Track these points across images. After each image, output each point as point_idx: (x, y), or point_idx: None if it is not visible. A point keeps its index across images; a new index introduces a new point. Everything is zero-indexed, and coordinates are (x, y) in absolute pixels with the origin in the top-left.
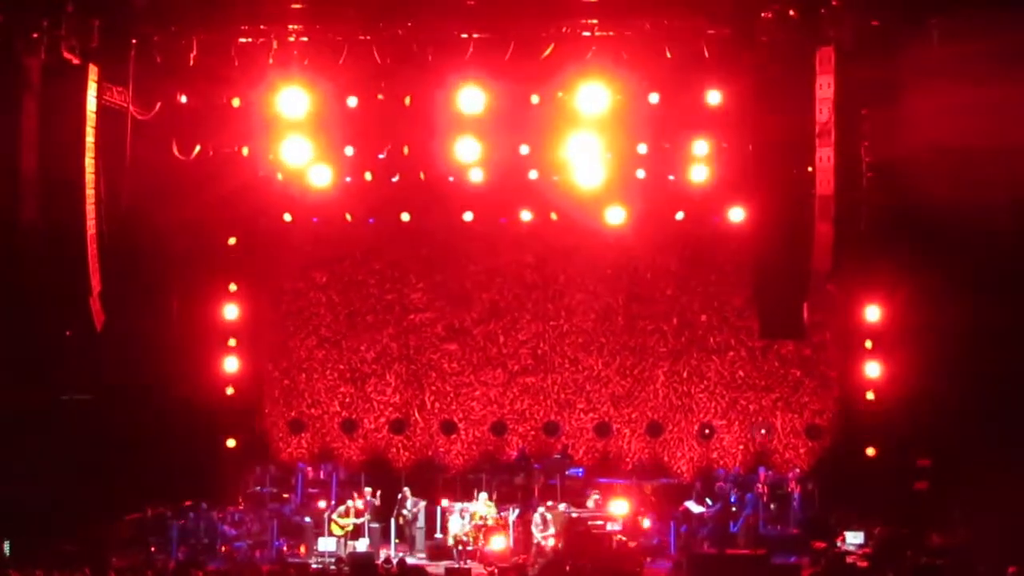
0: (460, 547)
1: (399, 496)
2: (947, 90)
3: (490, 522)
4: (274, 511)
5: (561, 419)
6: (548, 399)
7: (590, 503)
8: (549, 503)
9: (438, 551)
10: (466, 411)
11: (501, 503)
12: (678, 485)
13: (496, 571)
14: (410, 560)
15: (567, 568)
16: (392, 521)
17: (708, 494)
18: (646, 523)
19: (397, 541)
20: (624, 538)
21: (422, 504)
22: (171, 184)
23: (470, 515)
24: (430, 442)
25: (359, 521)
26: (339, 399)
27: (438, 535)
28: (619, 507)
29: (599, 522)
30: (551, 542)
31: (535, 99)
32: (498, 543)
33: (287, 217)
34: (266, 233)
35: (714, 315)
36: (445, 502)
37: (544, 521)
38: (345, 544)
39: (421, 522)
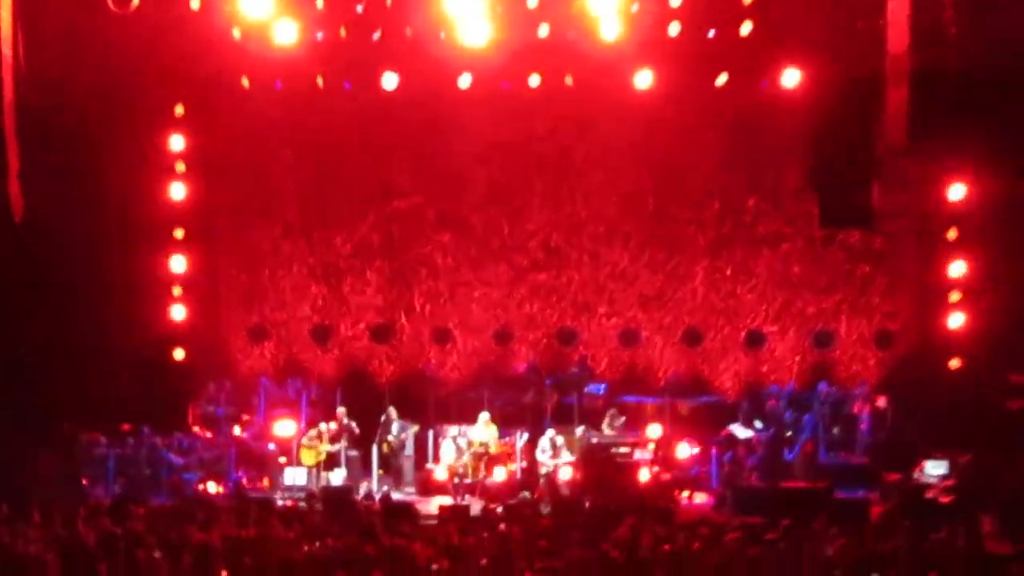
0: (456, 480)
1: (382, 418)
2: None
3: (492, 450)
4: (231, 437)
5: (578, 325)
6: (562, 301)
7: (612, 427)
8: (563, 427)
9: (430, 485)
10: (463, 315)
11: (506, 427)
12: (721, 405)
13: (499, 509)
14: (396, 496)
15: (585, 505)
16: (374, 449)
17: (757, 415)
18: (682, 451)
19: (380, 473)
20: (655, 469)
21: (411, 429)
22: (105, 45)
23: (468, 442)
24: (420, 353)
25: (334, 448)
26: (309, 301)
27: (430, 465)
28: (649, 432)
29: (624, 450)
30: (566, 474)
31: None
32: (501, 475)
33: (245, 82)
34: (220, 101)
35: (764, 198)
36: (439, 426)
37: (556, 448)
38: (317, 476)
39: (410, 450)
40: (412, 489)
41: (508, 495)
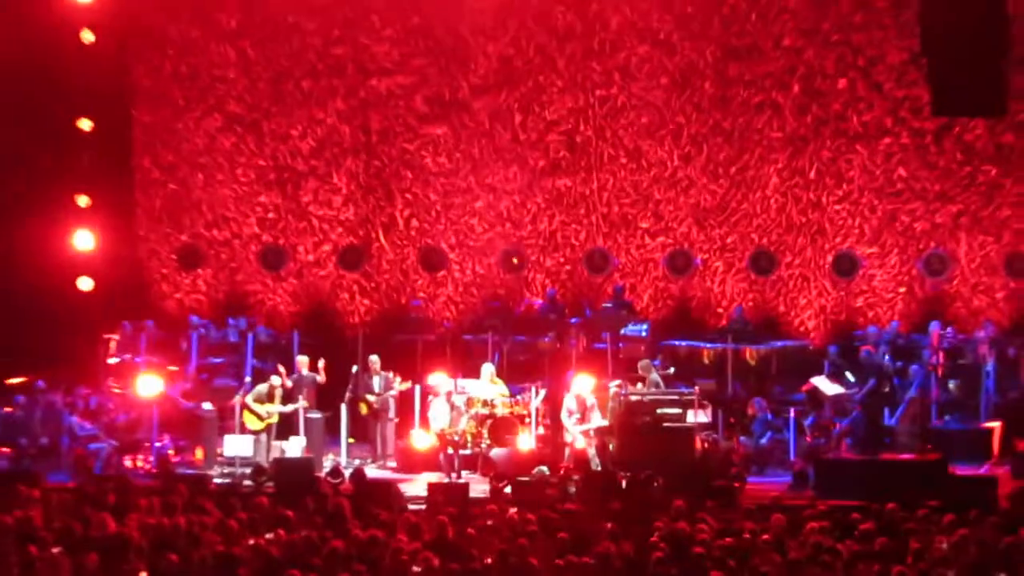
0: (450, 451)
1: (354, 370)
2: None
3: (499, 411)
4: (153, 394)
5: (613, 246)
6: (592, 214)
7: (658, 381)
8: (593, 380)
9: (414, 458)
10: (461, 233)
11: (517, 381)
12: (801, 351)
13: (507, 489)
14: (371, 472)
15: (622, 484)
16: (343, 409)
17: (849, 366)
18: (749, 412)
19: (351, 441)
20: (714, 436)
21: (399, 385)
22: None
23: (467, 400)
24: (403, 283)
25: (288, 410)
26: (258, 214)
27: (417, 432)
28: (707, 387)
29: (674, 411)
30: (596, 443)
31: None
32: (511, 443)
33: None
34: None
35: (859, 78)
36: (430, 379)
37: (585, 409)
38: (268, 445)
39: (393, 411)
40: (394, 463)
41: (519, 470)
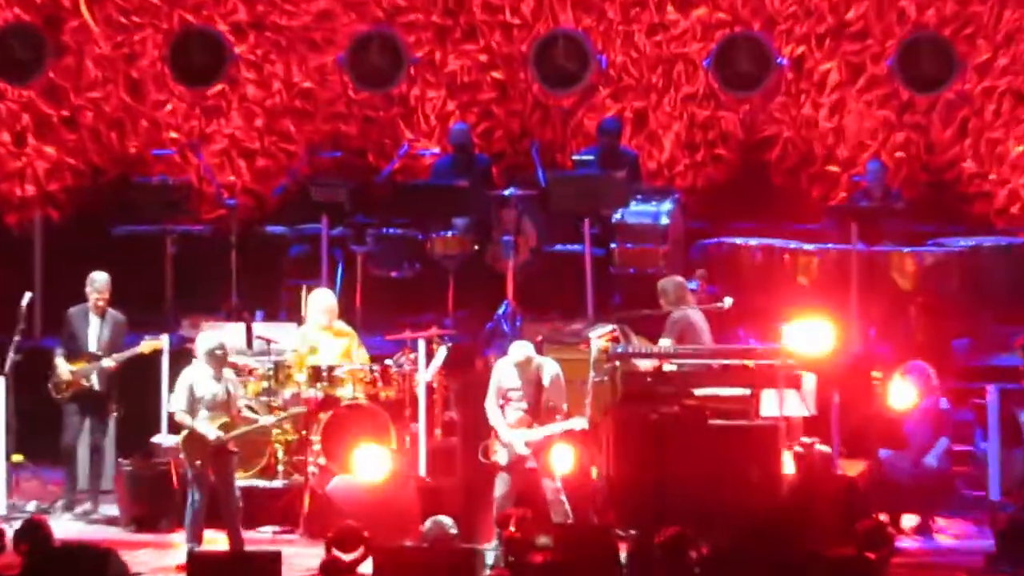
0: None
1: (25, 300)
2: None
3: (345, 391)
4: None
5: (595, 28)
6: None
7: (695, 320)
8: (557, 323)
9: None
10: None
11: (385, 326)
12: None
13: (359, 562)
14: (62, 524)
15: (620, 557)
16: None
17: None
18: (898, 399)
19: (19, 460)
20: (822, 449)
21: (147, 341)
22: None
23: (272, 368)
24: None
25: None
26: None
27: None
28: (798, 339)
29: (730, 392)
30: (564, 461)
31: None
32: (372, 465)
33: None
34: None
35: None
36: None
37: (536, 389)
38: None
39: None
40: (112, 509)
41: (387, 524)
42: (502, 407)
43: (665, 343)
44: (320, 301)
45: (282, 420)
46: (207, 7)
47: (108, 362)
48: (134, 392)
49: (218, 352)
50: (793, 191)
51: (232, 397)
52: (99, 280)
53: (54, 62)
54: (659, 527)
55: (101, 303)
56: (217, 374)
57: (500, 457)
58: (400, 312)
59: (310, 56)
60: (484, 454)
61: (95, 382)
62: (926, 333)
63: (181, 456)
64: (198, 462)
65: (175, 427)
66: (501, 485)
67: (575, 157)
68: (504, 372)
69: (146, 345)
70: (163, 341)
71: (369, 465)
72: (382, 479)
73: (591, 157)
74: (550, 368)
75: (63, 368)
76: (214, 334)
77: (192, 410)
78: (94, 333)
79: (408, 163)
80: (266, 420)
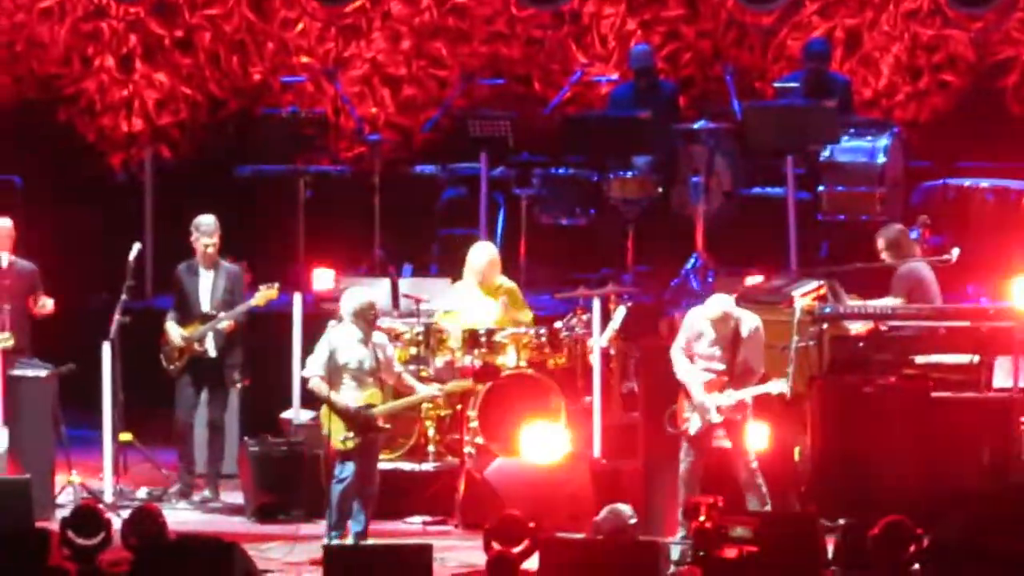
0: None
1: (133, 252)
2: None
3: (507, 359)
4: None
5: None
6: None
7: (923, 276)
8: (757, 280)
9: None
10: None
11: (553, 282)
12: None
13: (529, 553)
14: (179, 514)
15: (827, 549)
16: (106, 356)
17: None
18: None
19: (128, 440)
20: None
21: (264, 291)
22: None
23: (423, 330)
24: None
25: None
26: None
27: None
28: None
29: (962, 357)
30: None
31: None
32: (537, 440)
33: None
34: None
35: None
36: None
37: (733, 346)
38: None
39: (238, 360)
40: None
41: (555, 510)
42: (687, 359)
43: (893, 302)
44: (478, 254)
45: (446, 393)
46: None
47: (223, 322)
48: (260, 360)
49: (369, 313)
50: None
51: (383, 364)
52: (205, 224)
53: None
54: (873, 516)
55: (211, 250)
56: (365, 337)
57: (691, 425)
58: (571, 266)
59: None
60: (671, 422)
61: (210, 347)
62: None
63: (322, 432)
64: (343, 438)
65: (309, 400)
66: (686, 461)
67: (776, 84)
68: (697, 324)
69: (260, 296)
70: (276, 289)
71: (535, 445)
72: (550, 461)
73: (795, 84)
74: (750, 321)
75: (174, 333)
76: (362, 292)
77: (333, 378)
78: (206, 289)
79: (581, 92)
80: (427, 391)
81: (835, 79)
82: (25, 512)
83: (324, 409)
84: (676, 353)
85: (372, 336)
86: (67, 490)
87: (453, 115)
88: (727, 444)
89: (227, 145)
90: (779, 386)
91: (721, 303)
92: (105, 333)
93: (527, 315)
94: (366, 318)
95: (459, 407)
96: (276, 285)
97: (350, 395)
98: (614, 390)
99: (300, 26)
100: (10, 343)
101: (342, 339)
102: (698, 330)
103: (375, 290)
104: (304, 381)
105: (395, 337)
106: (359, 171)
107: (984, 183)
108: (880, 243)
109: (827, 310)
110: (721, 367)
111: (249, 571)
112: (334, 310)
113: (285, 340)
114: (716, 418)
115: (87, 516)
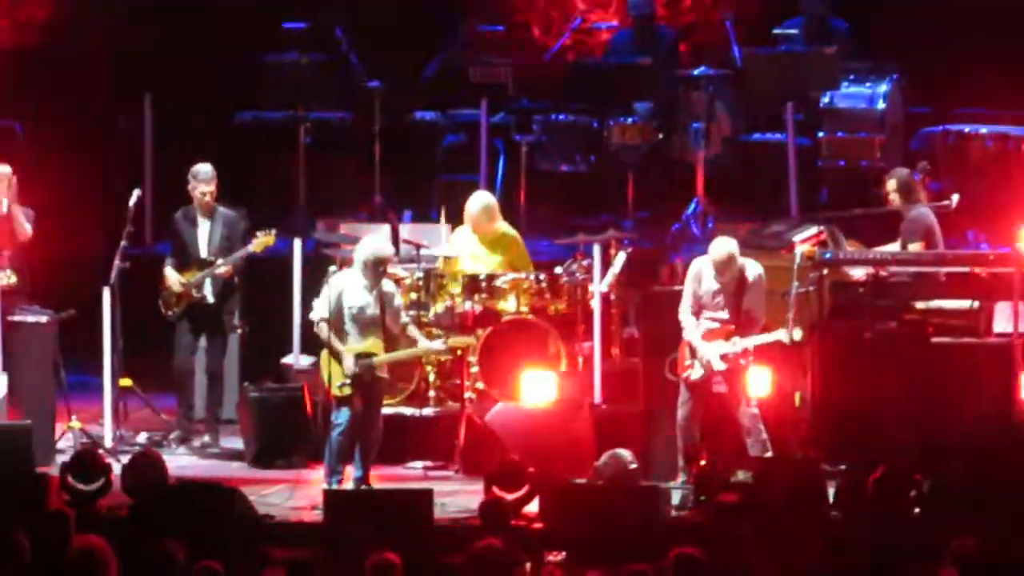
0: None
1: (133, 198)
2: None
3: (507, 304)
4: None
5: None
6: None
7: (930, 225)
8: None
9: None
10: None
11: (551, 228)
12: None
13: (529, 497)
14: (178, 460)
15: (827, 493)
16: (105, 300)
17: None
18: None
19: (128, 385)
20: None
21: (261, 237)
22: None
23: (424, 275)
24: None
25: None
26: None
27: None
28: None
29: (961, 303)
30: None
31: None
32: (538, 387)
33: None
34: None
35: None
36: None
37: (737, 293)
38: None
39: (235, 307)
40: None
41: (556, 456)
42: (696, 315)
43: (915, 246)
44: (472, 202)
45: (450, 347)
46: None
47: (221, 267)
48: (260, 306)
49: (379, 267)
50: None
51: (389, 313)
52: (202, 172)
53: None
54: (873, 462)
55: (208, 198)
56: (371, 285)
57: (693, 372)
58: (571, 212)
59: None
60: (672, 368)
61: (208, 293)
62: None
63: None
64: (340, 384)
65: (310, 345)
66: (685, 407)
67: (776, 31)
68: (702, 272)
69: (257, 243)
70: (273, 235)
71: (535, 390)
72: (550, 406)
73: (795, 31)
74: (753, 268)
75: (172, 279)
76: (381, 243)
77: (337, 322)
78: (203, 236)
79: (581, 38)
80: (431, 345)
81: (835, 24)
82: (25, 458)
83: (324, 354)
84: (682, 311)
85: (380, 284)
86: (67, 436)
87: (454, 62)
88: (723, 389)
89: (226, 90)
90: (785, 335)
91: (726, 245)
92: (105, 279)
93: (528, 261)
94: (376, 270)
95: (459, 353)
96: (273, 232)
97: (353, 341)
98: (614, 336)
99: None
100: (13, 279)
101: (349, 284)
102: (704, 276)
103: (375, 236)
104: (309, 324)
105: (395, 283)
106: (359, 117)
107: (983, 129)
108: (891, 184)
109: (827, 256)
110: (725, 315)
111: (249, 516)
112: (334, 257)
113: (284, 286)
114: (720, 366)
115: (87, 462)
